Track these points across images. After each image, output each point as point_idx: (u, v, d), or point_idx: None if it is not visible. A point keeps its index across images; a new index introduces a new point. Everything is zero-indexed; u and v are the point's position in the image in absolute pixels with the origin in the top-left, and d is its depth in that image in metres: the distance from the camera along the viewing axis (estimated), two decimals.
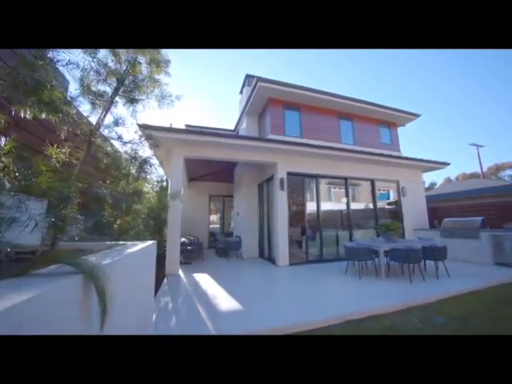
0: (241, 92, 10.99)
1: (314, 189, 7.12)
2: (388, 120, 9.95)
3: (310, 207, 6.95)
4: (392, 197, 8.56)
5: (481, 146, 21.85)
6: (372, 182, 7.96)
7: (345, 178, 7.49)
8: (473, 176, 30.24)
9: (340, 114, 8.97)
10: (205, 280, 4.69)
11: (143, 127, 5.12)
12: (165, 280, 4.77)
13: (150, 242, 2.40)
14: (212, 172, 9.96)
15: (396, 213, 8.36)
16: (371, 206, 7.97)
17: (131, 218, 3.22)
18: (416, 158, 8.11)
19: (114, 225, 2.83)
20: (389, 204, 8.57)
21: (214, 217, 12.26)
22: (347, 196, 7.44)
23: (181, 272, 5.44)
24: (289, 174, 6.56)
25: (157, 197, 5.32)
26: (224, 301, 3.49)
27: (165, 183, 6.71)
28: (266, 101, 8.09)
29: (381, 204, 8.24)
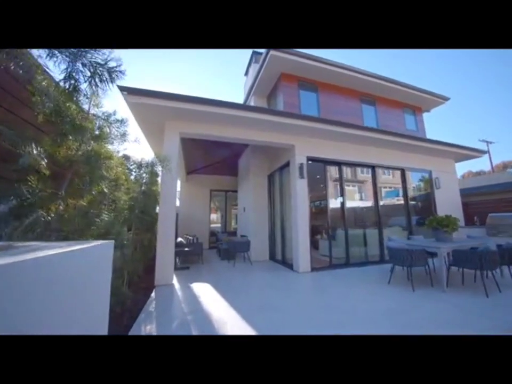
0: (246, 73, 9.80)
1: (336, 179, 5.93)
2: (413, 104, 8.77)
3: (333, 201, 5.76)
4: (398, 195, 7.26)
5: (491, 142, 20.73)
6: (403, 171, 6.78)
7: (373, 166, 6.30)
8: (477, 174, 29.19)
9: (362, 95, 7.78)
10: (207, 295, 3.48)
11: (125, 90, 3.93)
12: (153, 294, 3.56)
13: (98, 242, 1.21)
14: (213, 163, 8.76)
15: (428, 208, 7.18)
16: (386, 201, 6.78)
17: (87, 201, 2.02)
18: (450, 143, 6.92)
19: (52, 213, 1.62)
20: (409, 198, 7.38)
21: (214, 215, 11.05)
22: (375, 187, 6.25)
23: (175, 281, 4.23)
24: (309, 159, 5.37)
25: (143, 185, 4.12)
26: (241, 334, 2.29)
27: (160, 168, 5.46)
28: (278, 77, 6.89)
29: (390, 201, 7.02)
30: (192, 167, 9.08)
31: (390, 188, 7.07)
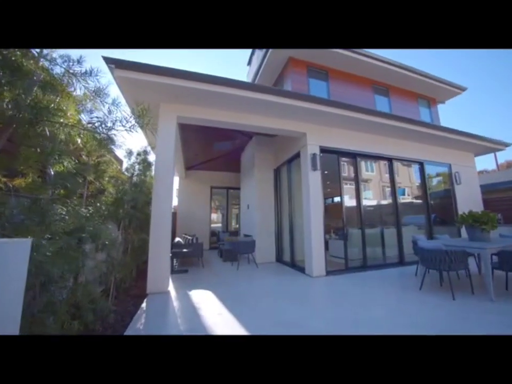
0: (249, 63, 9.23)
1: (350, 173, 5.37)
2: (428, 95, 8.21)
3: (346, 197, 5.19)
4: (404, 194, 6.65)
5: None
6: (422, 165, 6.21)
7: (390, 159, 5.73)
8: (480, 173, 28.67)
9: (374, 83, 7.22)
10: (208, 306, 2.90)
11: (112, 62, 3.36)
12: (144, 304, 2.97)
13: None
14: (214, 157, 8.20)
15: (447, 206, 6.62)
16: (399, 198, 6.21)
17: (32, 184, 1.42)
18: (473, 134, 6.35)
19: None
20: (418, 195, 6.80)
21: (214, 215, 10.47)
22: (392, 182, 5.68)
23: (171, 288, 3.65)
24: (322, 150, 4.79)
25: (135, 176, 3.55)
26: None
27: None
28: (285, 63, 6.32)
29: (403, 198, 6.44)
30: (191, 162, 8.51)
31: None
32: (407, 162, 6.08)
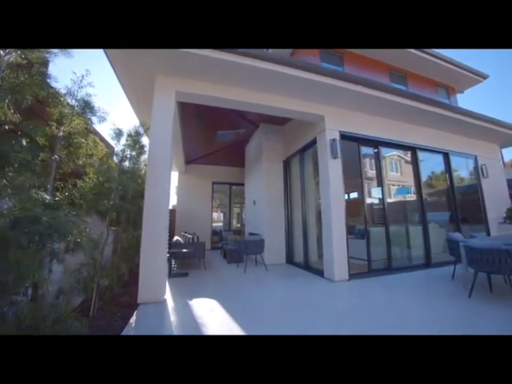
0: None
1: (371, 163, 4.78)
2: (447, 84, 7.62)
3: (366, 191, 4.60)
4: (409, 192, 5.99)
5: None
6: (447, 156, 5.61)
7: (414, 148, 5.14)
8: None
9: (392, 69, 6.63)
10: (214, 322, 2.28)
11: None
12: (133, 318, 2.35)
13: None
14: (217, 150, 7.59)
15: (473, 201, 6.04)
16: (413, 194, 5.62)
17: None
18: (503, 122, 5.75)
19: None
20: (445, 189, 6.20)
21: (215, 214, 9.86)
22: (417, 174, 5.08)
23: (168, 295, 3.04)
24: (341, 136, 4.19)
25: (125, 159, 2.96)
26: None
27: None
28: None
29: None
30: (191, 155, 7.90)
31: (399, 185, 5.91)
32: (431, 152, 5.47)
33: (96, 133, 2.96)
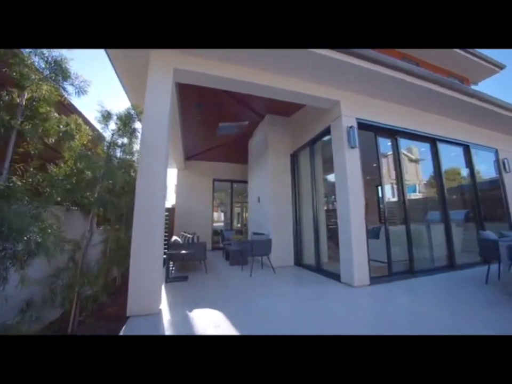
0: None
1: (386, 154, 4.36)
2: (461, 74, 7.21)
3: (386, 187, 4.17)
4: (415, 191, 5.53)
5: None
6: (467, 148, 5.19)
7: (434, 140, 4.71)
8: None
9: (405, 57, 6.20)
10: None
11: None
12: (120, 334, 1.91)
13: None
14: (218, 145, 7.16)
15: (493, 198, 5.62)
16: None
17: None
18: None
19: None
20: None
21: (215, 214, 9.43)
22: (437, 168, 4.66)
23: (164, 306, 2.60)
24: (358, 124, 3.75)
25: (112, 146, 2.53)
26: None
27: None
28: None
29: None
30: (191, 151, 7.46)
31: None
32: (452, 144, 5.05)
33: (78, 114, 2.52)
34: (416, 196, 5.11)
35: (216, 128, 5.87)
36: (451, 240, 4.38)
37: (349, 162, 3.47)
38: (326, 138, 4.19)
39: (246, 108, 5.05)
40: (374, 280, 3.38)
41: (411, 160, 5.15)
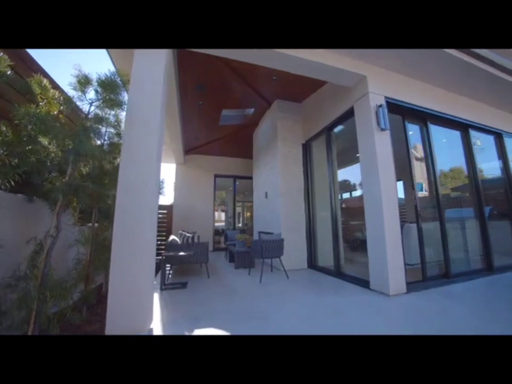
0: None
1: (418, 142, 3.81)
2: None
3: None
4: (422, 189, 4.89)
5: None
6: (500, 137, 4.64)
7: (466, 126, 4.16)
8: None
9: None
10: None
11: None
12: None
13: None
14: (220, 137, 6.61)
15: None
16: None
17: None
18: None
19: None
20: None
21: (216, 213, 8.86)
22: (471, 159, 4.11)
23: (157, 323, 2.04)
24: (388, 103, 3.20)
25: (89, 121, 1.97)
26: None
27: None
28: None
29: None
30: (191, 143, 6.91)
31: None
32: (483, 132, 4.49)
33: (45, 74, 1.96)
34: (445, 190, 4.55)
35: (219, 115, 5.31)
36: (488, 240, 3.84)
37: (379, 147, 2.92)
38: (349, 121, 3.64)
39: (253, 92, 4.50)
40: (409, 286, 2.82)
41: (417, 159, 4.57)
